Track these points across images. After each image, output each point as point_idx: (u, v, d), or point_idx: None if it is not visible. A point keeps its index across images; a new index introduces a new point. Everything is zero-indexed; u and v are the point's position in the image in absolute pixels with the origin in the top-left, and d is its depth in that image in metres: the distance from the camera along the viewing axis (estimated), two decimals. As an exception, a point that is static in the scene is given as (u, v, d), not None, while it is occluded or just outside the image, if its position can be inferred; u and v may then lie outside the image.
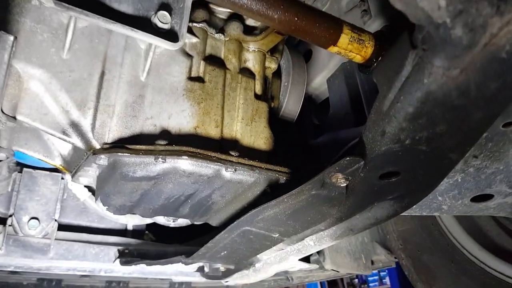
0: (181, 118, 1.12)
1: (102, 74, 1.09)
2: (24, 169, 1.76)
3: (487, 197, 1.27)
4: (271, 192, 1.24)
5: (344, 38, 1.05)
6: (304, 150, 1.72)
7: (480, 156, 1.08)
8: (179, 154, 1.02)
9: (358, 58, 1.10)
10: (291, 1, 0.98)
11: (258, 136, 1.23)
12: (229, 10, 1.32)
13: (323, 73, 1.80)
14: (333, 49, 1.07)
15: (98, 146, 1.06)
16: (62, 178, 1.84)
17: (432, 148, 0.85)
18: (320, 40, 1.04)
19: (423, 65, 0.66)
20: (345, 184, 1.02)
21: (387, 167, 0.93)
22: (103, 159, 1.04)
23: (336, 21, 1.04)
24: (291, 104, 1.50)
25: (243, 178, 1.12)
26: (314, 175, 1.02)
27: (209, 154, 1.05)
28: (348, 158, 0.90)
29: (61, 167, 1.32)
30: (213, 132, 1.15)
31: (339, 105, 1.71)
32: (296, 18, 0.99)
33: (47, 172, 1.81)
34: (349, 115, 1.65)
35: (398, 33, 1.15)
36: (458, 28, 0.54)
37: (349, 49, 1.07)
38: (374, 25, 1.54)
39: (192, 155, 1.02)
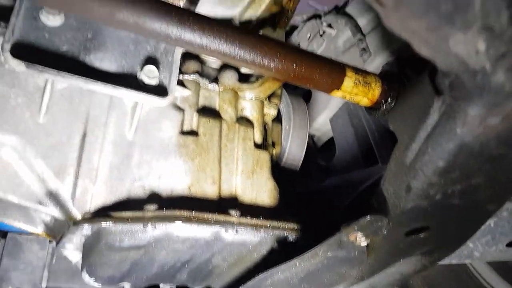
0: (173, 177, 1.01)
1: (84, 136, 0.98)
2: (8, 234, 1.63)
3: (523, 241, 1.14)
4: (280, 250, 1.11)
5: (348, 82, 0.95)
6: (312, 195, 1.60)
7: (513, 199, 0.96)
8: (171, 219, 0.90)
9: (365, 102, 1.00)
10: (287, 47, 0.90)
11: (260, 190, 1.11)
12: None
13: (325, 113, 1.71)
14: (337, 93, 0.97)
15: (79, 216, 0.94)
16: (50, 242, 1.70)
17: (466, 201, 0.73)
18: (323, 86, 0.95)
19: (454, 114, 0.55)
20: (366, 243, 0.89)
21: (414, 223, 0.80)
22: (86, 229, 0.92)
23: (337, 64, 0.95)
24: (294, 149, 1.39)
25: (247, 239, 1.00)
26: (326, 227, 0.91)
27: (206, 217, 0.93)
28: (369, 218, 0.78)
29: (45, 234, 1.19)
30: (210, 189, 1.03)
31: (345, 145, 1.61)
32: (294, 65, 0.89)
33: (34, 237, 1.67)
34: (357, 155, 1.54)
35: (405, 70, 1.06)
36: (500, 74, 0.44)
37: (355, 92, 0.97)
38: (375, 62, 1.46)
39: (186, 220, 0.90)
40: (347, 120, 1.60)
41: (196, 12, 0.80)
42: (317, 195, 1.56)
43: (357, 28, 1.54)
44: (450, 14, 0.38)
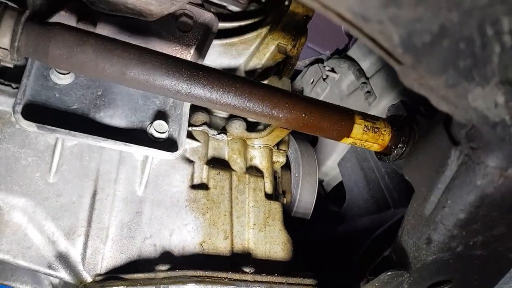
0: (185, 233, 0.98)
1: (94, 194, 0.97)
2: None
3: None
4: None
5: (358, 129, 0.95)
6: (324, 244, 1.56)
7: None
8: (184, 281, 0.86)
9: (375, 147, 1.00)
10: (296, 97, 0.90)
11: (274, 243, 1.08)
12: (228, 108, 1.25)
13: (332, 157, 1.71)
14: (347, 140, 0.97)
15: (89, 279, 0.91)
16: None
17: (489, 251, 0.70)
18: (332, 134, 0.94)
19: (473, 165, 0.54)
20: (386, 299, 0.85)
21: (436, 276, 0.77)
22: (99, 294, 0.88)
23: (346, 111, 0.95)
24: (305, 197, 1.37)
25: (263, 297, 0.95)
26: (342, 280, 0.87)
27: (219, 276, 0.90)
28: (390, 273, 0.75)
29: (53, 297, 1.15)
30: (222, 245, 1.00)
31: (355, 190, 1.58)
32: (303, 115, 0.90)
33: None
34: (368, 201, 1.52)
35: (413, 113, 1.06)
36: (520, 125, 0.43)
37: (365, 139, 0.97)
38: (381, 105, 1.47)
39: (200, 281, 0.87)
40: (355, 164, 1.58)
41: (204, 64, 0.81)
42: (329, 243, 1.52)
43: (360, 72, 1.56)
44: (469, 70, 0.38)
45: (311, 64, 1.97)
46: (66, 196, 0.94)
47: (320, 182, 1.80)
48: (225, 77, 0.82)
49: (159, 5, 0.86)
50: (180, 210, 1.01)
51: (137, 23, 0.97)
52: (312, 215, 1.56)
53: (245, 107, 0.85)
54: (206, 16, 1.03)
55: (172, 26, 0.97)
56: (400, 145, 0.97)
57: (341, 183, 1.73)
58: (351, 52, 1.66)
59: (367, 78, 1.55)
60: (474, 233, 0.64)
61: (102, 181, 0.99)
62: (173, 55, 0.81)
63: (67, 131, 0.86)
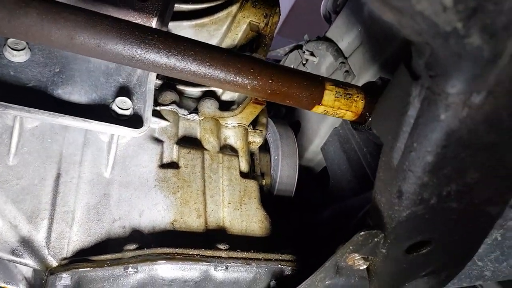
0: (155, 213, 0.94)
1: (58, 176, 0.93)
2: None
3: (537, 253, 1.05)
4: (278, 286, 1.02)
5: (329, 95, 0.91)
6: (309, 228, 1.51)
7: (519, 205, 0.89)
8: (153, 259, 0.82)
9: (349, 115, 0.96)
10: (262, 63, 0.86)
11: (250, 221, 1.03)
12: (200, 89, 1.21)
13: (315, 142, 1.67)
14: (319, 108, 0.93)
15: (55, 263, 0.86)
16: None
17: (465, 203, 0.66)
18: (302, 101, 0.91)
19: (434, 97, 0.50)
20: (365, 266, 0.81)
21: (414, 236, 0.73)
22: (65, 278, 0.84)
23: (316, 77, 0.92)
24: (285, 179, 1.33)
25: (239, 276, 0.91)
26: (324, 258, 0.82)
27: (191, 253, 0.85)
28: (362, 233, 0.71)
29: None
30: (195, 224, 0.96)
31: (338, 173, 1.54)
32: (270, 81, 0.86)
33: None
34: (351, 182, 1.47)
35: (386, 83, 1.03)
36: (475, 36, 0.40)
37: (337, 106, 0.93)
38: (360, 83, 1.43)
39: (169, 258, 0.82)
40: (338, 146, 1.54)
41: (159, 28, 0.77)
42: (315, 227, 1.48)
43: (338, 52, 1.53)
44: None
45: (291, 51, 1.94)
46: (27, 179, 0.90)
47: (306, 168, 1.75)
48: (183, 41, 0.79)
49: (114, -28, 0.82)
50: (150, 190, 0.96)
51: (94, -4, 0.93)
52: (297, 202, 1.52)
53: (206, 73, 0.81)
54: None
55: (130, -4, 0.93)
56: (376, 104, 0.94)
57: (325, 168, 1.69)
58: (329, 33, 1.63)
59: (346, 58, 1.52)
60: (445, 180, 0.61)
61: (66, 164, 0.95)
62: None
63: (21, 107, 0.82)
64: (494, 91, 0.47)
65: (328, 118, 1.61)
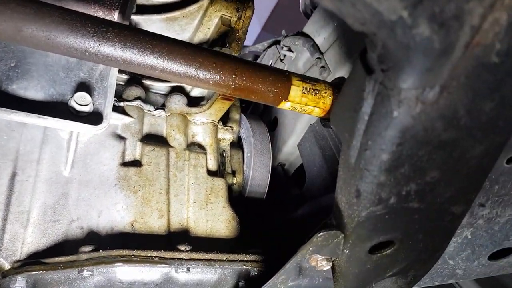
0: (114, 213, 0.90)
1: (13, 175, 0.89)
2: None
3: (507, 251, 1.04)
4: (247, 287, 0.99)
5: (296, 91, 0.89)
6: (284, 226, 1.49)
7: (487, 203, 0.87)
8: (109, 261, 0.78)
9: (317, 112, 0.93)
10: (224, 56, 0.83)
11: (216, 220, 1.00)
12: (168, 85, 1.18)
13: (292, 138, 1.64)
14: (286, 104, 0.90)
15: (7, 266, 0.83)
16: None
17: (427, 203, 0.64)
18: (268, 97, 0.88)
19: (387, 92, 0.48)
20: (328, 267, 0.79)
21: (375, 236, 0.71)
22: (20, 281, 0.80)
23: (282, 72, 0.89)
24: (258, 176, 1.30)
25: (203, 278, 0.88)
26: (287, 259, 0.80)
27: (149, 255, 0.82)
28: (321, 233, 0.69)
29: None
30: (156, 224, 0.93)
31: (314, 170, 1.52)
32: (234, 75, 0.83)
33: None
34: (327, 179, 1.45)
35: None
36: (423, 25, 0.37)
37: (304, 102, 0.90)
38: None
39: (126, 260, 0.79)
40: (314, 143, 1.52)
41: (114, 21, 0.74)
42: (289, 225, 1.46)
43: (314, 47, 1.50)
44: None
45: (269, 46, 1.91)
46: (-21, 177, 0.85)
47: (282, 165, 1.73)
48: (139, 34, 0.75)
49: (68, -39, 0.78)
50: (109, 189, 0.93)
51: (51, -13, 0.89)
52: (274, 200, 1.50)
53: (166, 67, 0.77)
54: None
55: (89, -13, 0.89)
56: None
57: (301, 166, 1.67)
58: (306, 28, 1.60)
59: (322, 53, 1.50)
60: (404, 179, 0.58)
61: (23, 162, 0.90)
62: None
63: (-31, 102, 0.78)
64: (449, 86, 0.45)
65: (304, 115, 1.58)
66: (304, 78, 0.90)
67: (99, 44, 0.72)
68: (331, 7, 0.37)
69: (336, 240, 0.70)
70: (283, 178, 1.72)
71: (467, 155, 0.57)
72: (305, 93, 0.90)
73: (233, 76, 0.82)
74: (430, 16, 0.37)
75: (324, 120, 0.98)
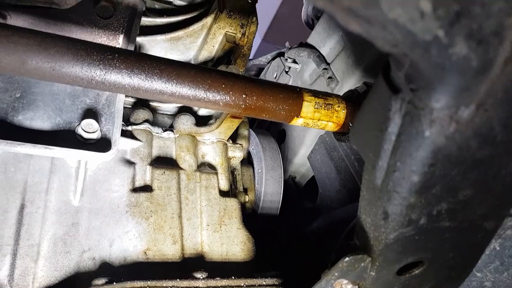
0: (126, 242, 0.87)
1: (22, 207, 0.86)
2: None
3: (536, 261, 1.00)
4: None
5: (308, 107, 0.86)
6: (299, 242, 1.45)
7: (515, 213, 0.84)
8: (124, 295, 0.75)
9: (331, 126, 0.91)
10: (234, 76, 0.81)
11: (231, 243, 0.97)
12: (175, 105, 1.15)
13: (301, 151, 1.61)
14: (298, 121, 0.87)
15: (19, 305, 0.79)
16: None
17: (459, 221, 0.61)
18: (280, 115, 0.85)
19: (417, 112, 0.45)
20: (354, 291, 0.75)
21: (403, 258, 0.67)
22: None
23: (293, 89, 0.86)
24: (270, 193, 1.27)
25: (222, 306, 0.85)
26: (310, 284, 0.76)
27: (164, 285, 0.78)
28: (347, 258, 0.65)
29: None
30: (170, 251, 0.89)
31: (327, 182, 1.49)
32: (244, 95, 0.80)
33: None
34: (341, 191, 1.42)
35: (368, 90, 0.98)
36: (460, 44, 0.34)
37: (317, 117, 0.88)
38: (344, 89, 1.38)
39: (142, 293, 0.76)
40: (325, 155, 1.49)
41: (119, 47, 0.71)
42: (304, 241, 1.42)
43: (320, 58, 1.48)
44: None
45: (273, 59, 1.89)
46: (-13, 213, 0.83)
47: (293, 179, 1.70)
48: (146, 59, 0.73)
49: (70, -13, 0.76)
50: (121, 216, 0.90)
51: (53, 15, 0.87)
52: (286, 215, 1.46)
53: (174, 91, 0.75)
54: (127, -3, 0.93)
55: (91, 14, 0.87)
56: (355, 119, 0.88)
57: (313, 178, 1.64)
58: (310, 39, 1.58)
59: (328, 64, 1.47)
60: (435, 199, 0.55)
61: (31, 193, 0.88)
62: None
63: (-27, 136, 0.75)
64: (485, 103, 0.42)
65: (314, 126, 1.55)
66: (316, 93, 0.88)
67: (105, 72, 0.69)
68: (360, 30, 0.34)
69: (362, 264, 0.66)
70: (295, 191, 1.68)
71: (502, 172, 0.54)
72: (317, 108, 0.87)
73: (244, 96, 0.80)
74: (467, 34, 0.34)
75: (338, 135, 0.95)
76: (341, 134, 0.94)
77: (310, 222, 1.51)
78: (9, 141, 0.78)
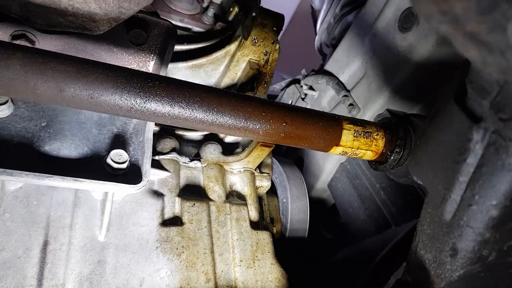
0: (158, 281, 0.82)
1: (45, 244, 0.81)
2: None
3: None
4: None
5: (347, 135, 0.83)
6: (323, 274, 1.40)
7: None
8: None
9: (369, 155, 0.87)
10: (273, 105, 0.78)
11: (266, 280, 0.92)
12: (202, 133, 1.12)
13: (321, 178, 1.57)
14: (337, 150, 0.84)
15: None
16: None
17: (527, 257, 0.57)
18: (319, 144, 0.82)
19: (505, 144, 0.42)
20: (408, 331, 0.70)
21: (466, 297, 0.63)
22: None
23: (332, 117, 0.83)
24: (296, 223, 1.22)
25: None
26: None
27: (205, 330, 0.73)
28: (410, 300, 0.61)
29: None
30: (205, 290, 0.84)
31: (350, 211, 1.45)
32: (284, 124, 0.77)
33: None
34: (366, 221, 1.38)
35: (406, 115, 0.95)
36: None
37: (356, 146, 0.85)
38: (366, 117, 1.36)
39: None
40: (347, 183, 1.45)
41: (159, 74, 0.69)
42: (329, 272, 1.36)
43: (339, 85, 1.46)
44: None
45: (288, 86, 1.87)
46: (10, 250, 0.78)
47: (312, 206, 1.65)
48: (187, 87, 0.70)
49: (105, 14, 0.74)
50: (150, 253, 0.85)
51: (84, 41, 0.85)
52: (306, 246, 1.41)
53: (214, 120, 0.72)
54: (161, 24, 0.91)
55: (123, 40, 0.85)
56: (396, 149, 0.85)
57: (333, 206, 1.60)
58: (328, 67, 1.57)
59: (348, 91, 1.46)
60: (509, 234, 0.51)
61: (54, 229, 0.83)
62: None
63: (2, 169, 0.71)
64: None
65: (333, 154, 1.52)
66: (354, 121, 0.85)
67: (145, 100, 0.66)
68: (476, 56, 0.32)
69: (425, 305, 0.62)
70: (313, 220, 1.64)
71: None
72: (356, 137, 0.84)
73: (284, 124, 0.77)
74: None
75: (376, 164, 0.91)
76: (378, 163, 0.91)
77: (332, 252, 1.45)
78: (36, 174, 0.74)
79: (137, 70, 0.67)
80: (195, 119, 0.70)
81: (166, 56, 0.88)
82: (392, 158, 0.86)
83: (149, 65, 0.87)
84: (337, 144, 0.82)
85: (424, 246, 0.62)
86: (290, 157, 1.75)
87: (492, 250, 0.54)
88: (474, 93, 0.44)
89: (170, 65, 1.17)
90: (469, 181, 0.48)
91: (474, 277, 0.58)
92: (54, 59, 0.63)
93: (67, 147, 0.83)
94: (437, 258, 0.59)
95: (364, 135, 0.85)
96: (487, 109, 0.42)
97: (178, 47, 1.22)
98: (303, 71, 1.71)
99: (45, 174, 0.75)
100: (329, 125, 0.81)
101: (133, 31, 0.84)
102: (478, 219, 0.49)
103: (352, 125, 0.84)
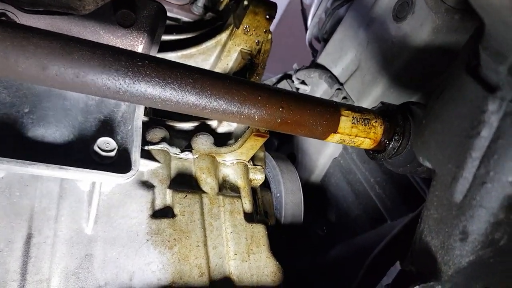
0: (149, 274, 0.78)
1: (29, 237, 0.76)
2: None
3: None
4: None
5: (345, 122, 0.80)
6: (318, 271, 1.36)
7: None
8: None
9: (367, 143, 0.85)
10: (270, 89, 0.75)
11: (261, 274, 0.88)
12: (193, 124, 1.08)
13: (314, 174, 1.55)
14: (335, 137, 0.81)
15: None
16: None
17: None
18: (316, 130, 0.79)
19: (524, 112, 0.39)
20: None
21: (473, 285, 0.60)
22: None
23: (330, 103, 0.81)
24: (290, 218, 1.19)
25: None
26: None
27: (199, 325, 0.69)
28: (417, 287, 0.58)
29: None
30: (197, 284, 0.80)
31: (344, 206, 1.42)
32: (281, 109, 0.74)
33: None
34: (360, 216, 1.35)
35: (402, 105, 0.93)
36: None
37: (354, 133, 0.82)
38: (360, 108, 1.34)
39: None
40: (340, 178, 1.43)
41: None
42: (325, 269, 1.33)
43: (332, 78, 1.44)
44: None
45: (279, 81, 1.85)
46: (-10, 244, 0.73)
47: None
48: (179, 67, 0.66)
49: (92, -7, 0.70)
50: (141, 246, 0.80)
51: (68, 23, 0.80)
52: (297, 243, 1.38)
53: (207, 104, 0.68)
54: (151, 4, 0.87)
55: (111, 21, 0.81)
56: (395, 137, 0.83)
57: (324, 202, 1.57)
58: (321, 60, 1.55)
59: (341, 84, 1.44)
60: (523, 216, 0.49)
61: (39, 221, 0.78)
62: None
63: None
64: None
65: (326, 149, 1.50)
66: (352, 108, 0.82)
67: (134, 81, 0.63)
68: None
69: (432, 292, 0.59)
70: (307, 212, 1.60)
71: None
72: (355, 124, 0.81)
73: (280, 109, 0.74)
74: None
75: (373, 153, 0.89)
76: (376, 152, 0.88)
77: (326, 249, 1.43)
78: (19, 161, 0.70)
79: (125, 49, 0.64)
80: (187, 102, 0.66)
81: (156, 40, 0.84)
82: (390, 146, 0.83)
83: (138, 49, 0.83)
84: (335, 131, 0.80)
85: (430, 232, 0.59)
86: (282, 153, 1.72)
87: (504, 232, 0.51)
88: (490, 60, 0.41)
89: (159, 55, 1.13)
90: (482, 157, 0.45)
91: (483, 263, 0.56)
92: (36, 34, 0.59)
93: (51, 134, 0.79)
94: (445, 243, 0.56)
95: (362, 122, 0.82)
96: (504, 76, 0.40)
97: (167, 37, 1.18)
98: (295, 66, 1.68)
99: (28, 162, 0.71)
100: (327, 111, 0.78)
101: (121, 12, 0.80)
102: (492, 198, 0.46)
103: (350, 112, 0.81)
